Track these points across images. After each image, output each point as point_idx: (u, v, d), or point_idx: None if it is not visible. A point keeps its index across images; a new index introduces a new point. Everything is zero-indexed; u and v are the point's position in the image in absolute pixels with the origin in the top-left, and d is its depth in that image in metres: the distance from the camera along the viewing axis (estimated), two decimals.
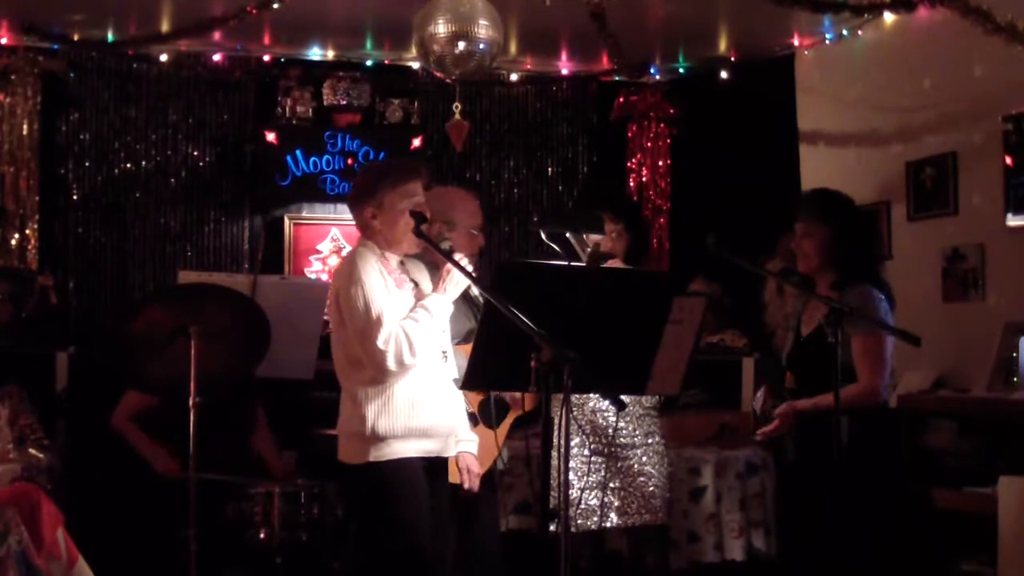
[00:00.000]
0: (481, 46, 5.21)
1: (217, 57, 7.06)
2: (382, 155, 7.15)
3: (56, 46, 6.70)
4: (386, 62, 7.35)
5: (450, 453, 3.96)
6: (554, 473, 3.03)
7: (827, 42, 6.88)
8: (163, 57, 6.93)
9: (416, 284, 3.97)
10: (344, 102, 7.19)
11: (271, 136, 7.09)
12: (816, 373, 3.99)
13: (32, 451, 5.03)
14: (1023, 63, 5.26)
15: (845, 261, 4.24)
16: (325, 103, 7.18)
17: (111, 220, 7.05)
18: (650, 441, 4.70)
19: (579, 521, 4.55)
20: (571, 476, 4.53)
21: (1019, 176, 5.50)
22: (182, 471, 5.14)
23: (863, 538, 3.99)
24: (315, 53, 7.20)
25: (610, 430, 4.60)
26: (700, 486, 5.76)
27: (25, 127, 6.62)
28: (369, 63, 7.31)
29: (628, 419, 4.66)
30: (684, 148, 7.59)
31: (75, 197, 6.99)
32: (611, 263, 4.63)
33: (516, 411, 4.29)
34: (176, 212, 7.17)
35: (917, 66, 6.19)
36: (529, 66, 7.51)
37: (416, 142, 7.26)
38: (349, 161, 7.11)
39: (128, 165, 7.10)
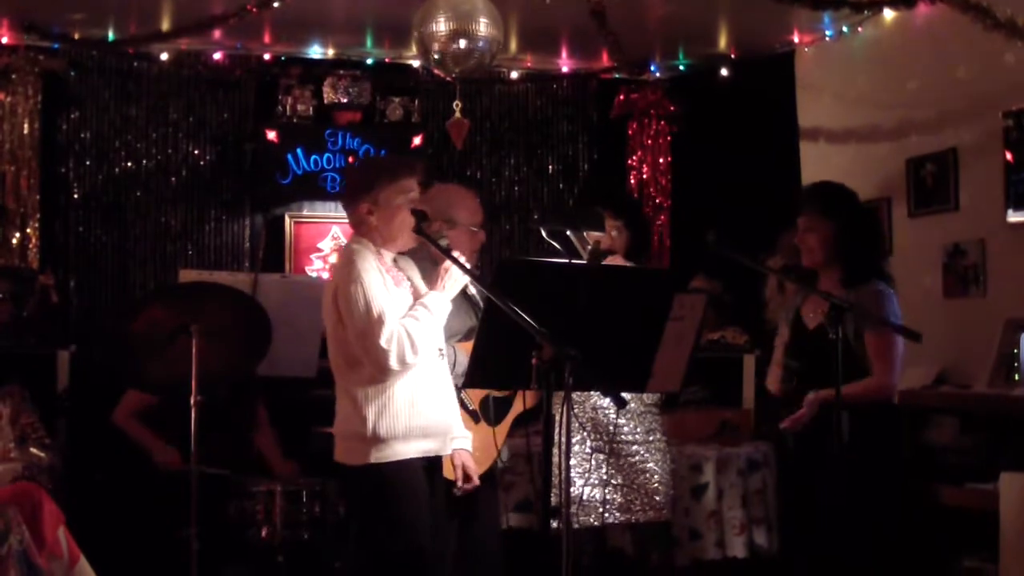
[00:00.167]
0: (481, 44, 5.21)
1: (218, 56, 7.05)
2: (383, 153, 7.16)
3: (56, 45, 6.70)
4: (386, 60, 7.34)
5: (447, 451, 3.94)
6: (555, 471, 3.02)
7: (827, 39, 6.88)
8: (163, 56, 6.93)
9: (410, 281, 3.96)
10: (345, 100, 7.19)
11: (272, 134, 7.09)
12: (822, 367, 3.98)
13: (33, 450, 5.03)
14: (1023, 59, 5.26)
15: (850, 256, 4.24)
16: (326, 101, 7.18)
17: (112, 219, 7.04)
18: (651, 438, 4.70)
19: (581, 517, 4.55)
20: (572, 473, 4.53)
21: (1019, 172, 5.50)
22: (183, 463, 5.16)
23: (864, 534, 3.99)
24: (315, 51, 7.20)
25: (611, 427, 4.60)
26: (701, 483, 5.77)
27: (26, 126, 6.62)
28: (369, 61, 7.31)
29: (629, 416, 4.66)
30: (684, 145, 7.59)
31: (76, 196, 6.98)
32: (611, 260, 4.63)
33: (516, 410, 4.28)
34: (177, 211, 7.16)
35: (917, 62, 6.19)
36: (529, 64, 7.51)
37: (417, 140, 7.26)
38: (350, 159, 7.12)
39: (129, 164, 7.09)
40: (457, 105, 6.12)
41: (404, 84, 7.37)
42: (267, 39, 6.94)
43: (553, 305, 3.02)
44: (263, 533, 4.86)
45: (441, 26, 5.16)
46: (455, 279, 3.85)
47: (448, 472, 4.00)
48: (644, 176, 7.57)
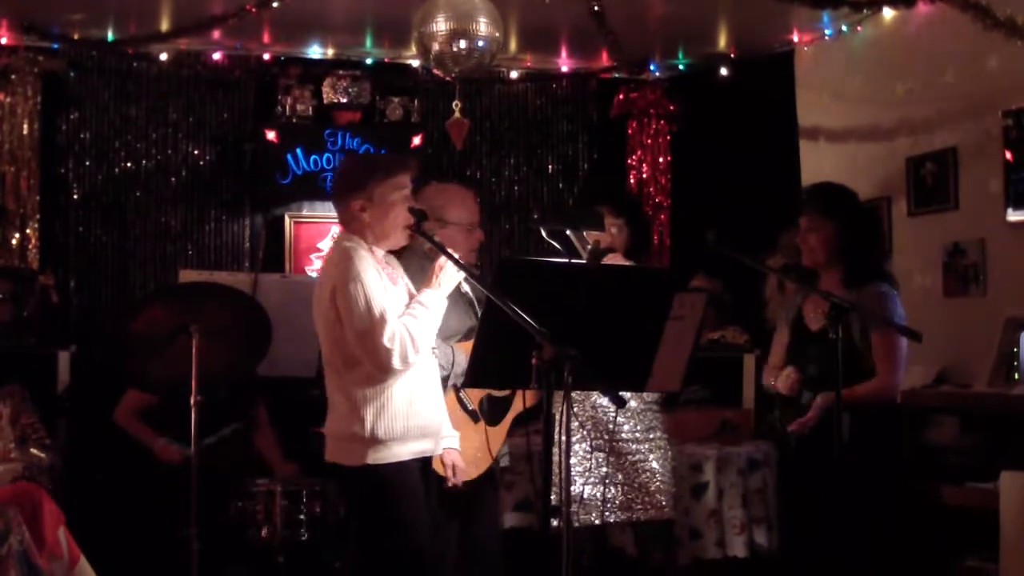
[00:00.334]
0: (481, 44, 5.21)
1: (217, 56, 7.05)
2: (383, 153, 7.15)
3: (56, 45, 6.70)
4: (386, 60, 7.34)
5: (439, 451, 3.92)
6: (556, 469, 3.02)
7: (826, 38, 6.88)
8: (163, 56, 6.93)
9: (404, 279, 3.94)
10: (344, 100, 7.18)
11: (271, 134, 7.09)
12: (829, 369, 3.97)
13: (34, 450, 5.03)
14: (1023, 58, 5.26)
15: (851, 256, 4.24)
16: (325, 101, 7.17)
17: (112, 219, 7.04)
18: (652, 436, 4.70)
19: (582, 516, 4.55)
20: (572, 472, 4.53)
21: (1019, 171, 5.50)
22: (184, 459, 5.17)
23: (864, 534, 3.99)
24: (315, 51, 7.19)
25: (611, 425, 4.60)
26: (702, 482, 5.77)
27: (25, 126, 6.62)
28: (369, 61, 7.31)
29: (630, 415, 4.66)
30: (684, 145, 7.59)
31: (76, 196, 6.98)
32: (611, 257, 4.63)
33: (516, 410, 4.28)
34: (177, 211, 7.16)
35: (916, 61, 6.19)
36: (529, 63, 7.51)
37: (416, 140, 7.26)
38: None
39: (128, 164, 7.09)
40: (457, 105, 6.12)
41: (404, 84, 7.37)
42: (266, 39, 6.93)
43: (553, 305, 3.02)
44: (263, 533, 4.86)
45: (441, 26, 5.16)
46: (450, 276, 3.81)
47: (437, 469, 4.00)
48: (644, 175, 7.57)
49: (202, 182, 7.20)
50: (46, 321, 6.21)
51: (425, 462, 3.86)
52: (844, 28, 6.69)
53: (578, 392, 4.50)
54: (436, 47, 5.21)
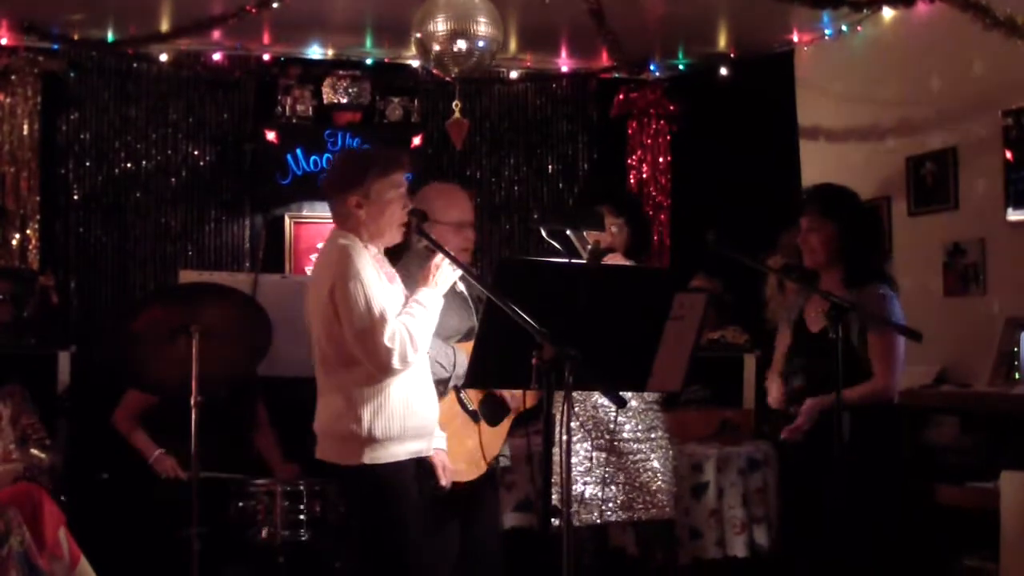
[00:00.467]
0: (480, 44, 5.21)
1: (217, 56, 7.05)
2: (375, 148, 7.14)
3: (56, 46, 6.70)
4: (386, 60, 7.34)
5: (431, 451, 3.89)
6: (556, 469, 3.03)
7: (826, 38, 6.89)
8: (163, 56, 6.93)
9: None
10: (344, 100, 7.18)
11: (271, 135, 7.09)
12: (828, 370, 3.97)
13: (34, 451, 5.03)
14: (1022, 58, 5.26)
15: (852, 256, 4.24)
16: (325, 102, 7.17)
17: (112, 220, 7.04)
18: (653, 436, 4.70)
19: (583, 515, 4.55)
20: (573, 472, 4.53)
21: (1019, 171, 5.50)
22: (181, 470, 5.17)
23: (864, 534, 3.99)
24: (315, 52, 7.20)
25: (612, 425, 4.60)
26: (702, 482, 5.77)
27: (25, 127, 6.62)
28: (369, 61, 7.31)
29: (631, 414, 4.66)
30: (684, 144, 7.60)
31: (76, 197, 6.98)
32: (611, 257, 4.63)
33: (516, 410, 4.28)
34: (177, 211, 7.16)
35: (916, 61, 6.19)
36: (529, 63, 7.51)
37: (416, 140, 7.26)
38: None
39: (128, 165, 7.09)
40: (457, 105, 6.12)
41: (404, 84, 7.37)
42: (266, 39, 6.94)
43: (553, 305, 3.02)
44: (263, 533, 4.86)
45: (440, 26, 5.16)
46: (446, 275, 3.79)
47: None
48: (644, 175, 7.57)
49: (202, 182, 7.20)
50: (46, 322, 6.21)
51: (418, 462, 3.85)
52: (844, 28, 6.69)
53: (579, 392, 4.50)
54: (436, 47, 5.21)
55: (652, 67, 7.52)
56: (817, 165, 6.90)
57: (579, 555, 4.78)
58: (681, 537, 5.65)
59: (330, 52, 7.22)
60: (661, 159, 7.59)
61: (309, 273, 7.05)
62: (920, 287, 5.93)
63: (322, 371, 3.77)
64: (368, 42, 7.09)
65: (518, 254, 7.36)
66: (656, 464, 4.67)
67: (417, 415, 3.76)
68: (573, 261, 4.04)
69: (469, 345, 3.99)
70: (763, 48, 7.15)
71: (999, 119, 5.59)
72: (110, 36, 6.69)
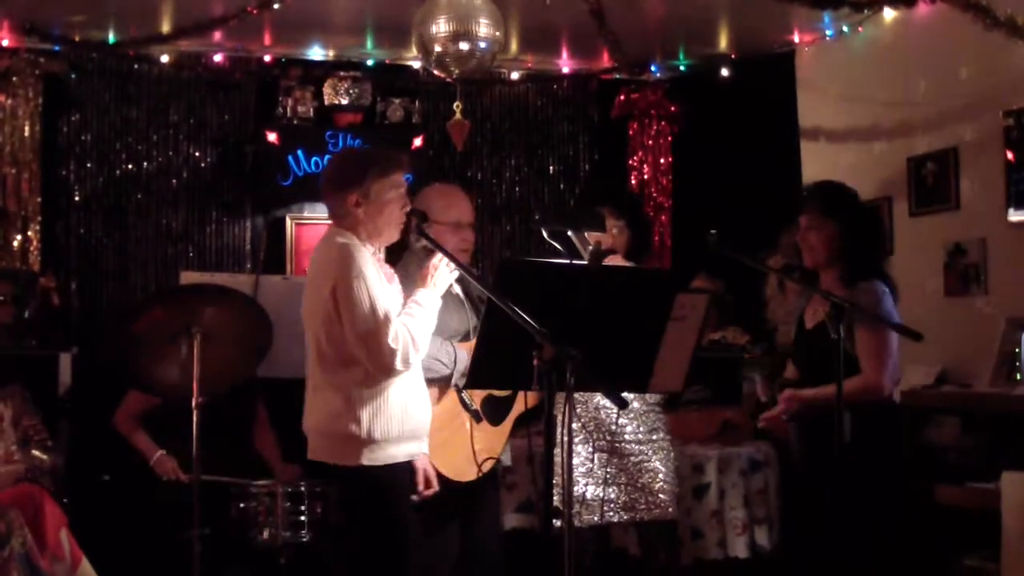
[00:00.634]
0: (481, 45, 5.21)
1: (218, 57, 7.06)
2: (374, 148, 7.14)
3: (57, 47, 6.71)
4: (387, 61, 7.35)
5: (422, 453, 3.88)
6: (557, 470, 3.02)
7: (827, 38, 6.89)
8: (164, 58, 6.94)
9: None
10: (345, 102, 7.19)
11: (272, 136, 7.09)
12: (819, 366, 3.98)
13: (35, 452, 5.03)
14: (1023, 58, 5.26)
15: (851, 255, 4.23)
16: (326, 103, 7.18)
17: (113, 221, 7.05)
18: (655, 437, 4.70)
19: (584, 516, 4.55)
20: (575, 473, 4.53)
21: (1020, 171, 5.50)
22: (182, 472, 5.17)
23: (865, 534, 3.99)
24: (316, 53, 7.20)
25: (613, 427, 4.60)
26: (703, 483, 5.76)
27: (27, 128, 6.63)
28: (370, 62, 7.32)
29: (632, 416, 4.66)
30: (685, 145, 7.60)
31: (77, 198, 6.99)
32: (612, 259, 4.63)
33: (516, 410, 4.27)
34: (178, 213, 7.17)
35: (917, 62, 6.19)
36: (530, 64, 7.52)
37: (417, 141, 7.26)
38: None
39: (129, 166, 7.10)
40: (458, 106, 6.13)
41: (405, 85, 7.38)
42: (267, 41, 6.94)
43: (554, 305, 3.02)
44: (265, 535, 4.85)
45: (441, 27, 5.16)
46: (444, 275, 3.79)
47: (443, 472, 4.00)
48: (645, 176, 7.57)
49: (203, 184, 7.21)
50: (47, 323, 6.22)
51: (411, 463, 3.85)
52: (845, 28, 6.70)
53: (580, 394, 4.50)
54: (437, 48, 5.21)
55: (653, 68, 7.52)
56: (818, 165, 6.90)
57: (581, 556, 4.78)
58: (683, 538, 5.64)
59: (331, 53, 7.22)
60: (662, 160, 7.59)
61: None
62: (921, 287, 5.93)
63: (319, 370, 3.72)
64: (369, 43, 7.09)
65: (519, 255, 7.36)
66: (658, 465, 4.67)
67: (413, 417, 3.76)
68: (574, 262, 4.05)
69: (468, 345, 4.00)
70: (764, 49, 7.16)
71: (1000, 119, 5.60)
72: (111, 37, 6.70)
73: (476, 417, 4.15)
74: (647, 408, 4.70)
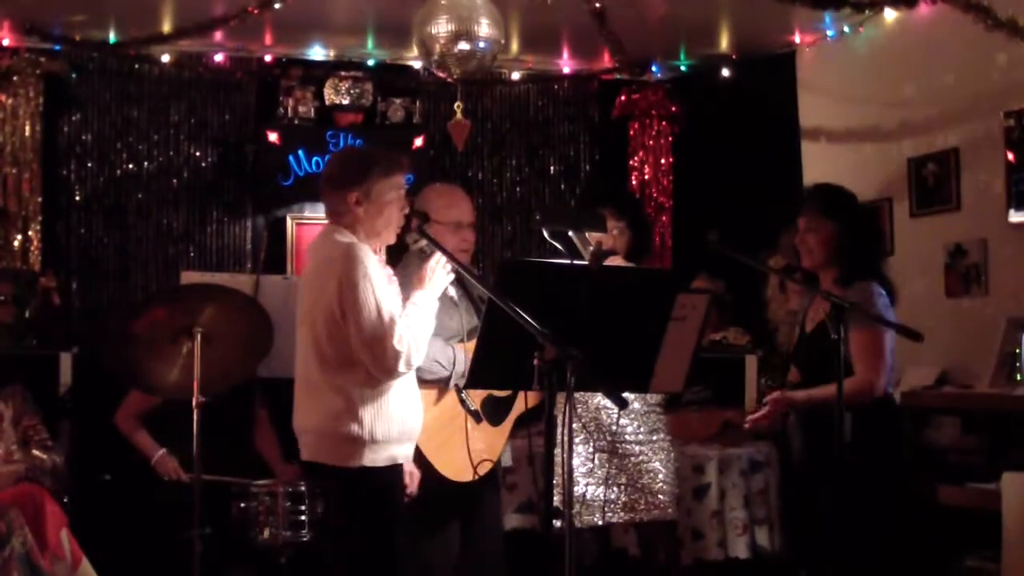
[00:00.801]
0: (482, 45, 5.21)
1: (219, 57, 7.06)
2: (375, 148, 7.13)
3: (58, 47, 6.71)
4: (388, 61, 7.36)
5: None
6: (557, 470, 3.02)
7: (828, 39, 6.89)
8: (165, 58, 6.94)
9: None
10: (346, 102, 7.19)
11: (273, 136, 7.09)
12: (819, 368, 3.98)
13: (36, 452, 5.03)
14: None
15: (849, 257, 4.23)
16: (327, 103, 7.18)
17: (113, 221, 7.05)
18: (655, 438, 4.70)
19: (584, 516, 4.56)
20: (575, 473, 4.54)
21: (1021, 172, 5.51)
22: (183, 471, 5.17)
23: (865, 535, 3.99)
24: (316, 53, 7.21)
25: (613, 427, 4.60)
26: (704, 483, 5.76)
27: (27, 128, 6.63)
28: (371, 62, 7.32)
29: (632, 416, 4.66)
30: (686, 146, 7.60)
31: (77, 198, 7.00)
32: (612, 260, 4.63)
33: (516, 411, 4.27)
34: (178, 212, 7.18)
35: (918, 62, 6.19)
36: (530, 65, 7.52)
37: (418, 141, 7.26)
38: None
39: (130, 166, 7.11)
40: (458, 106, 6.13)
41: (405, 85, 7.38)
42: (268, 41, 6.95)
43: (555, 305, 3.02)
44: (265, 534, 4.85)
45: (442, 27, 5.16)
46: (440, 277, 3.78)
47: (444, 472, 4.00)
48: (646, 177, 7.57)
49: (204, 184, 7.22)
50: (48, 323, 6.22)
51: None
52: (846, 29, 6.70)
53: (580, 394, 4.50)
54: (437, 48, 5.21)
55: (654, 68, 7.52)
56: (819, 166, 6.90)
57: (581, 556, 4.78)
58: (683, 538, 5.65)
59: (332, 53, 7.23)
60: (663, 160, 7.59)
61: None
62: (922, 288, 5.93)
63: (318, 370, 3.68)
64: (370, 43, 7.10)
65: (520, 255, 7.36)
66: (658, 465, 4.67)
67: (411, 419, 3.76)
68: (575, 262, 4.04)
69: (467, 345, 4.00)
70: (765, 49, 7.16)
71: (1001, 120, 5.60)
72: (112, 37, 6.70)
73: (476, 418, 4.15)
74: (648, 409, 4.70)
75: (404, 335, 3.57)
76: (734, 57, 7.24)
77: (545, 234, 4.24)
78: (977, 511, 4.98)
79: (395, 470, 3.74)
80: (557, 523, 3.14)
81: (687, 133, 7.59)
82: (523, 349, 2.92)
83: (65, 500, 5.02)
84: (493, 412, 4.19)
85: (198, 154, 7.23)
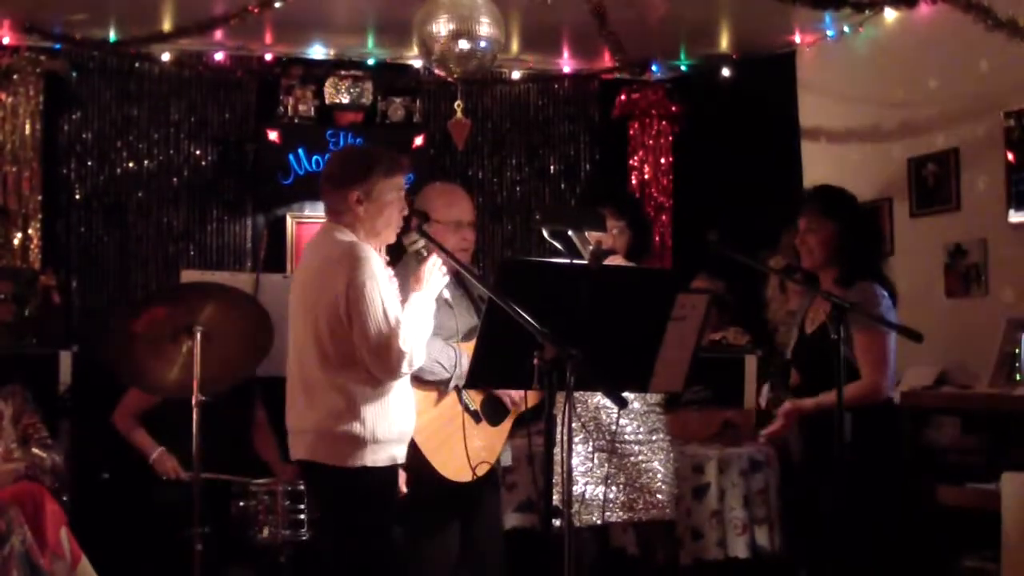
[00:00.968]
0: (482, 44, 5.22)
1: (219, 56, 7.06)
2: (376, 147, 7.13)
3: (58, 46, 6.71)
4: (388, 60, 7.35)
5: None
6: (557, 469, 3.02)
7: (828, 39, 6.89)
8: (165, 56, 6.94)
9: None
10: (346, 101, 7.19)
11: (273, 135, 7.09)
12: (820, 370, 3.98)
13: (35, 451, 5.03)
14: None
15: (849, 257, 4.23)
16: (327, 102, 7.18)
17: (114, 219, 7.05)
18: (654, 438, 4.70)
19: (583, 516, 4.56)
20: (575, 473, 4.54)
21: (1021, 172, 5.51)
22: (182, 470, 5.17)
23: (865, 534, 3.99)
24: (317, 52, 7.21)
25: (613, 427, 4.60)
26: (703, 483, 5.76)
27: (27, 127, 6.63)
28: (371, 61, 7.32)
29: (632, 416, 4.66)
30: (686, 145, 7.60)
31: (77, 196, 7.00)
32: (612, 259, 4.63)
33: (516, 411, 4.27)
34: (179, 211, 7.18)
35: (918, 62, 6.19)
36: (531, 64, 7.52)
37: (418, 140, 7.26)
38: None
39: (130, 164, 7.11)
40: (458, 105, 6.13)
41: (406, 84, 7.38)
42: (268, 39, 6.95)
43: (555, 305, 3.02)
44: (265, 533, 4.86)
45: (442, 26, 5.16)
46: (437, 278, 3.77)
47: (444, 474, 4.00)
48: (646, 176, 7.57)
49: (204, 182, 7.22)
50: (48, 321, 6.22)
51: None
52: (846, 29, 6.70)
53: (580, 394, 4.50)
54: (438, 47, 5.21)
55: (654, 68, 7.52)
56: (819, 166, 6.90)
57: (580, 555, 4.78)
58: (683, 538, 5.64)
59: (332, 52, 7.23)
60: (663, 160, 7.59)
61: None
62: (922, 288, 5.93)
63: (318, 368, 3.65)
64: (370, 42, 7.10)
65: (520, 255, 7.36)
66: (657, 465, 4.67)
67: (408, 419, 3.77)
68: (575, 262, 4.04)
69: (466, 345, 4.00)
70: (765, 49, 7.16)
71: (1001, 120, 5.60)
72: (112, 36, 6.70)
73: (476, 418, 4.15)
74: (647, 408, 4.70)
75: (407, 337, 3.56)
76: (734, 57, 7.24)
77: (545, 233, 4.23)
78: (977, 511, 4.98)
79: (395, 470, 3.74)
80: (556, 522, 3.14)
81: (687, 133, 7.59)
82: (523, 348, 2.93)
83: (64, 499, 5.02)
84: (492, 412, 4.20)
85: (198, 153, 7.23)
